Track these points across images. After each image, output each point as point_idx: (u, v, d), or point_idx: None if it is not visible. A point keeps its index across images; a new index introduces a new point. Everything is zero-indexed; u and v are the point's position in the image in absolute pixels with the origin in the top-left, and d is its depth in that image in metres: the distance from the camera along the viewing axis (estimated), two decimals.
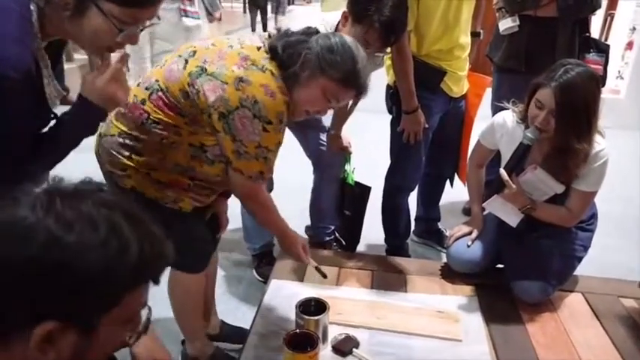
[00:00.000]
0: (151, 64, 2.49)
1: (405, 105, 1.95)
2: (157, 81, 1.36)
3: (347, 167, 2.10)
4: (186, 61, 1.33)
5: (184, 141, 1.37)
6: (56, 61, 1.09)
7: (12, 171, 0.81)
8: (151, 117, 1.34)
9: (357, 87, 1.35)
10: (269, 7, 10.10)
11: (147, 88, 1.36)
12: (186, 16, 2.33)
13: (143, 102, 1.35)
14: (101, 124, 1.26)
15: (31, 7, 0.92)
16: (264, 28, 9.95)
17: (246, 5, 14.96)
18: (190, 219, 1.47)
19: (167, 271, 1.15)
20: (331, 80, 1.31)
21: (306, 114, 1.40)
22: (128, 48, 1.08)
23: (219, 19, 2.78)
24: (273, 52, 1.32)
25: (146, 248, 0.63)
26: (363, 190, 2.13)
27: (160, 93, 1.33)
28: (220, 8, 2.64)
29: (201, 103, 1.30)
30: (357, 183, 2.13)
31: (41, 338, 0.58)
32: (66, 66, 5.06)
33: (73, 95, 4.13)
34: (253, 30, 10.22)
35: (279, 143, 1.37)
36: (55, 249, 0.58)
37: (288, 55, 1.31)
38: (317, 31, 1.37)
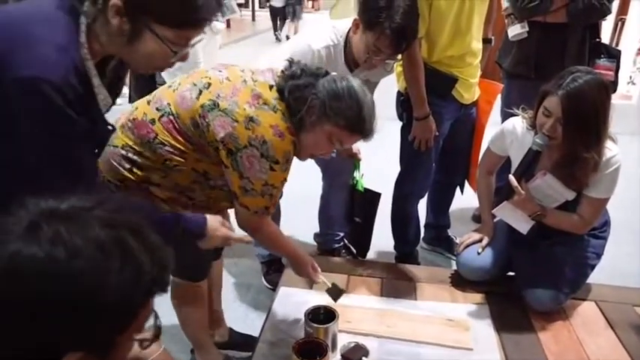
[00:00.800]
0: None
1: (417, 112, 1.95)
2: (168, 104, 1.36)
3: (356, 174, 2.09)
4: (200, 92, 1.35)
5: (188, 166, 1.38)
6: (117, 78, 1.11)
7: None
8: (158, 137, 1.35)
9: (362, 133, 1.37)
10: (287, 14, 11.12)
11: (158, 109, 1.37)
12: (215, 19, 2.36)
13: (152, 122, 1.36)
14: None
15: (81, 22, 0.94)
16: (276, 29, 11.29)
17: (255, 13, 15.09)
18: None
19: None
20: (337, 127, 1.33)
21: (310, 156, 1.45)
22: None
23: (228, 27, 2.80)
24: (280, 94, 1.35)
25: (155, 262, 0.64)
26: (373, 197, 2.13)
27: (171, 117, 1.34)
28: (237, 11, 2.64)
29: (210, 136, 1.32)
30: (366, 189, 2.12)
31: None
32: None
33: None
34: (275, 31, 11.30)
35: (285, 180, 1.40)
36: (73, 283, 0.58)
37: (295, 98, 1.33)
38: (326, 73, 1.38)
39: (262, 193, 1.35)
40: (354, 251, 2.34)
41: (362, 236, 2.25)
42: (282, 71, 1.39)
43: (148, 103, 1.41)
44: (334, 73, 1.41)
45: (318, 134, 1.35)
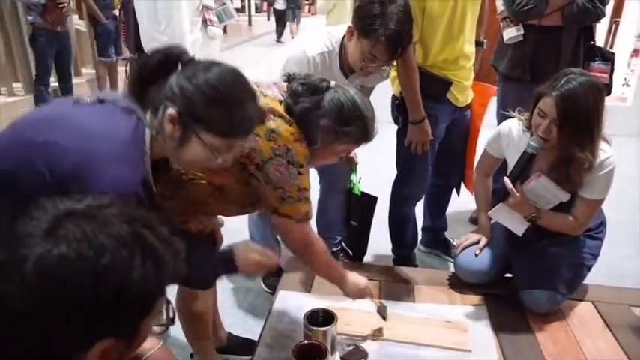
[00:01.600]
0: None
1: (412, 115, 1.96)
2: None
3: (353, 177, 2.10)
4: None
5: (205, 179, 1.39)
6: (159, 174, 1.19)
7: None
8: None
9: (367, 141, 1.45)
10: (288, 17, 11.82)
11: None
12: (212, 25, 2.36)
13: None
14: None
15: (146, 137, 1.04)
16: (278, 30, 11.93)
17: (252, 18, 15.13)
18: (195, 236, 1.49)
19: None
20: (346, 144, 1.42)
21: (318, 165, 1.49)
22: None
23: (225, 32, 2.81)
24: (289, 109, 1.38)
25: (172, 253, 0.69)
26: (370, 201, 2.13)
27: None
28: (235, 16, 2.64)
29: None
30: (363, 193, 2.13)
31: (97, 357, 0.64)
32: (75, 80, 5.14)
33: None
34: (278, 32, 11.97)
35: (310, 184, 1.44)
36: (102, 279, 0.62)
37: (305, 123, 1.37)
38: (327, 86, 1.41)
39: (299, 198, 1.39)
40: (352, 254, 2.34)
41: (359, 240, 2.25)
42: (288, 86, 1.42)
43: None
44: (333, 83, 1.44)
45: (328, 151, 1.43)
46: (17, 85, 4.78)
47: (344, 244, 2.37)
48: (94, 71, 5.52)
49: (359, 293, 1.56)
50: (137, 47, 2.46)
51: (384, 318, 1.59)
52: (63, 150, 0.95)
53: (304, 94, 1.38)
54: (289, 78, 1.45)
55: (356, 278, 1.56)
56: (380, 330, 1.56)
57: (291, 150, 1.34)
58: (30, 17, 4.42)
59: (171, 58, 1.05)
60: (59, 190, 0.73)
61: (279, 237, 1.53)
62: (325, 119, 1.36)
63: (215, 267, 1.34)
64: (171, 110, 1.01)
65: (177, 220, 1.41)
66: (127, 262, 0.63)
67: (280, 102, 1.40)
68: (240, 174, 1.39)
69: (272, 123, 1.34)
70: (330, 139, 1.39)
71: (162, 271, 0.67)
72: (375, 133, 1.45)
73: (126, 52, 2.82)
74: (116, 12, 5.06)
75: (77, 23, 5.51)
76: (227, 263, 1.31)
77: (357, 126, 1.38)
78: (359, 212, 2.15)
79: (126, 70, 2.66)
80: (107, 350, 0.65)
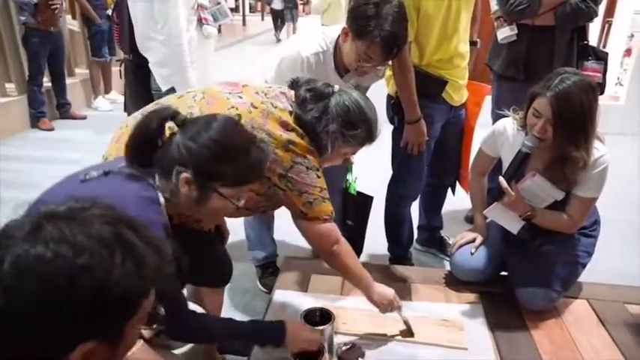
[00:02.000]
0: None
1: (408, 115, 1.97)
2: None
3: (349, 177, 2.11)
4: None
5: None
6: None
7: None
8: None
9: (371, 142, 1.50)
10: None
11: None
12: (207, 24, 2.36)
13: None
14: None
15: (160, 198, 1.09)
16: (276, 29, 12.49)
17: (246, 18, 15.12)
18: (208, 235, 1.52)
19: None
20: (351, 146, 1.48)
21: (324, 167, 1.52)
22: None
23: (219, 32, 2.81)
24: (298, 119, 1.42)
25: (155, 254, 0.68)
26: (365, 200, 2.14)
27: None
28: (230, 15, 2.63)
29: None
30: (359, 193, 2.13)
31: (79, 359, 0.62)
32: (68, 81, 5.11)
33: (76, 110, 4.25)
34: (276, 32, 12.28)
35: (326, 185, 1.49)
36: (80, 279, 0.61)
37: (316, 131, 1.42)
38: (332, 91, 1.44)
39: (322, 198, 1.44)
40: None
41: (355, 239, 2.25)
42: (295, 94, 1.46)
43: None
44: (337, 87, 1.47)
45: (337, 153, 1.48)
46: (10, 86, 4.75)
47: None
48: (87, 71, 5.49)
49: (387, 305, 1.52)
50: (131, 48, 2.45)
51: (412, 334, 1.56)
52: None
53: (311, 101, 1.42)
54: (294, 84, 1.49)
55: (383, 289, 1.53)
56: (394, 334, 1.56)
57: (308, 157, 1.41)
58: (22, 17, 4.39)
59: (167, 121, 1.10)
60: None
61: (304, 239, 1.54)
62: (333, 125, 1.41)
63: (262, 337, 1.36)
64: (185, 174, 1.06)
65: (191, 219, 1.41)
66: (107, 262, 0.62)
67: (290, 112, 1.43)
68: (260, 186, 1.42)
69: (287, 134, 1.39)
70: (337, 143, 1.43)
71: (145, 271, 0.65)
72: (379, 133, 1.49)
73: (120, 53, 2.81)
74: (109, 12, 5.05)
75: (70, 23, 5.48)
76: (276, 336, 1.32)
77: (363, 129, 1.44)
78: (355, 211, 2.15)
79: (120, 70, 2.64)
80: (89, 353, 0.63)
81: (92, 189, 1.05)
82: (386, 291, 1.52)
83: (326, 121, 1.41)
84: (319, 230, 1.46)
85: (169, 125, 1.11)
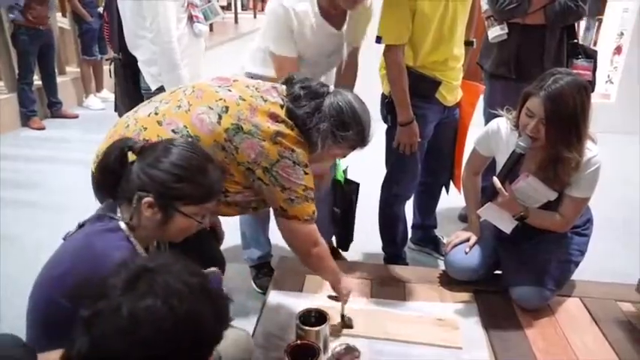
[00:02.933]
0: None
1: (400, 117, 1.97)
2: (185, 127, 1.37)
3: (337, 162, 2.09)
4: (220, 116, 1.37)
5: None
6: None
7: None
8: None
9: (363, 146, 1.50)
10: None
11: (174, 131, 1.37)
12: (198, 22, 2.34)
13: None
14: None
15: (122, 228, 1.13)
16: None
17: (238, 16, 15.05)
18: (201, 232, 1.50)
19: None
20: (342, 148, 1.47)
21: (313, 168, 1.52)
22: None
23: (211, 30, 2.78)
24: (290, 112, 1.42)
25: (226, 305, 0.82)
26: (353, 187, 2.13)
27: (190, 139, 1.35)
28: (221, 13, 2.61)
29: (240, 157, 1.38)
30: (346, 180, 2.13)
31: None
32: (59, 79, 5.06)
33: (67, 108, 4.22)
34: None
35: (313, 184, 1.47)
36: (186, 323, 0.73)
37: (307, 127, 1.41)
38: (327, 91, 1.44)
39: (305, 198, 1.43)
40: (337, 243, 2.34)
41: (343, 228, 2.25)
42: (287, 89, 1.46)
43: (159, 123, 1.39)
44: (332, 88, 1.47)
45: (324, 154, 1.47)
46: (0, 84, 4.70)
47: (334, 244, 2.38)
48: (78, 70, 5.44)
49: (347, 295, 1.60)
50: (120, 46, 2.42)
51: (350, 326, 1.60)
52: (62, 276, 1.07)
53: (305, 98, 1.41)
54: (288, 81, 1.48)
55: (348, 282, 1.62)
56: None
57: (296, 151, 1.39)
58: (11, 15, 4.34)
59: (125, 151, 1.15)
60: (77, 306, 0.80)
61: (284, 240, 1.55)
62: (325, 123, 1.40)
63: None
64: (147, 198, 1.10)
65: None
66: (201, 308, 0.74)
67: (281, 106, 1.42)
68: (246, 179, 1.42)
69: (276, 126, 1.38)
70: (328, 142, 1.42)
71: (224, 323, 0.78)
72: (371, 137, 1.49)
73: (111, 52, 2.79)
74: (100, 10, 5.00)
75: (60, 21, 5.42)
76: None
77: (355, 131, 1.43)
78: (342, 199, 2.15)
79: (110, 69, 2.62)
80: None
81: (71, 243, 1.14)
82: (349, 284, 1.62)
83: (318, 119, 1.40)
84: (298, 230, 1.46)
85: (129, 154, 1.15)
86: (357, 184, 2.14)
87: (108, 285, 0.73)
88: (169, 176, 1.11)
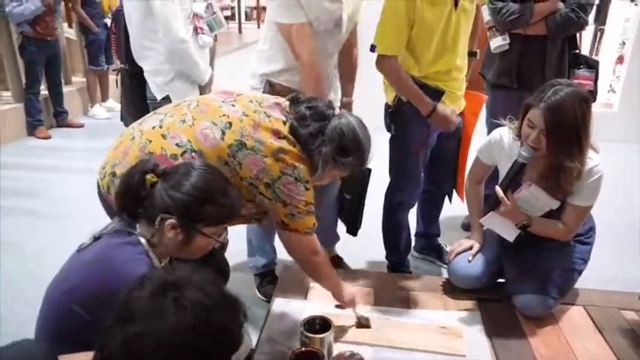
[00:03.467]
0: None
1: (422, 111, 1.95)
2: (189, 141, 1.40)
3: None
4: (223, 132, 1.40)
5: None
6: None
7: None
8: None
9: (361, 169, 1.57)
10: None
11: (178, 145, 1.39)
12: (203, 33, 2.38)
13: (174, 157, 1.38)
14: (114, 163, 1.43)
15: (142, 242, 1.17)
16: None
17: (242, 26, 15.17)
18: None
19: None
20: (342, 171, 1.51)
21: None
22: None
23: (215, 40, 2.82)
24: (294, 135, 1.44)
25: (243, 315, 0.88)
26: (363, 173, 2.12)
27: (194, 154, 1.38)
28: (225, 25, 2.65)
29: (243, 172, 1.41)
30: None
31: None
32: (65, 89, 5.11)
33: (73, 118, 4.27)
34: None
35: (313, 197, 1.50)
36: (215, 333, 0.78)
37: (309, 147, 1.44)
38: (333, 114, 1.46)
39: (307, 212, 1.46)
40: (345, 264, 2.36)
41: (353, 213, 2.25)
42: (291, 106, 1.48)
43: (163, 137, 1.42)
44: (337, 111, 1.49)
45: (327, 174, 1.50)
46: (7, 94, 4.75)
47: (337, 253, 2.40)
48: (84, 80, 5.50)
49: (352, 302, 1.63)
50: (127, 57, 2.46)
51: (368, 326, 1.64)
52: (80, 286, 1.10)
53: (311, 118, 1.44)
54: (294, 100, 1.50)
55: (350, 288, 1.65)
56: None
57: (298, 167, 1.41)
58: (20, 28, 4.40)
59: (147, 173, 1.18)
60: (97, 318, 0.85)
61: (284, 248, 1.58)
62: (327, 147, 1.42)
63: None
64: (170, 220, 1.14)
65: None
66: (231, 317, 0.81)
67: (284, 122, 1.44)
68: (249, 194, 1.44)
69: (278, 142, 1.40)
70: (328, 166, 1.45)
71: (240, 323, 0.84)
72: (369, 162, 1.52)
73: (117, 62, 2.82)
74: (106, 20, 5.06)
75: (67, 32, 5.49)
76: None
77: (355, 157, 1.46)
78: (352, 185, 2.15)
79: (117, 80, 2.65)
80: None
81: (87, 254, 1.16)
82: (352, 289, 1.65)
83: (320, 141, 1.43)
84: (298, 241, 1.50)
85: (149, 176, 1.18)
86: (369, 170, 2.13)
87: (132, 298, 0.77)
88: (192, 199, 1.15)
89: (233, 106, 1.45)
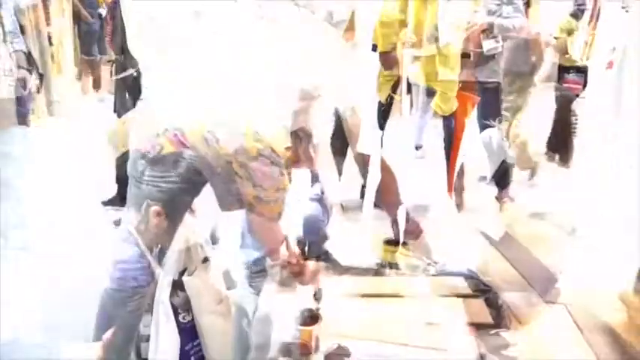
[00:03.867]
0: None
1: None
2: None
3: None
4: None
5: None
6: None
7: None
8: None
9: None
10: None
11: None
12: None
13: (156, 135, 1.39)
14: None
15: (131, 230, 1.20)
16: None
17: None
18: None
19: None
20: None
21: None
22: None
23: None
24: None
25: None
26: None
27: (176, 132, 1.37)
28: None
29: (220, 149, 1.40)
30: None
31: None
32: (57, 78, 4.95)
33: (63, 107, 4.21)
34: None
35: (288, 185, 1.49)
36: None
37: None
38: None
39: (275, 199, 1.43)
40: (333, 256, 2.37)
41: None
42: None
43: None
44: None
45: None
46: None
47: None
48: (76, 69, 5.45)
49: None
50: (122, 49, 2.45)
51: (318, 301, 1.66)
52: None
53: None
54: None
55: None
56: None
57: (276, 150, 1.40)
58: None
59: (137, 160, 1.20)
60: None
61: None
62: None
63: None
64: (155, 207, 1.15)
65: None
66: None
67: None
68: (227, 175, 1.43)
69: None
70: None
71: None
72: None
73: (111, 52, 2.82)
74: (100, 10, 5.02)
75: (60, 21, 5.42)
76: None
77: None
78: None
79: (111, 71, 2.65)
80: None
81: None
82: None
83: None
84: (263, 226, 1.50)
85: (141, 163, 1.19)
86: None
87: None
88: (177, 187, 1.16)
89: None
